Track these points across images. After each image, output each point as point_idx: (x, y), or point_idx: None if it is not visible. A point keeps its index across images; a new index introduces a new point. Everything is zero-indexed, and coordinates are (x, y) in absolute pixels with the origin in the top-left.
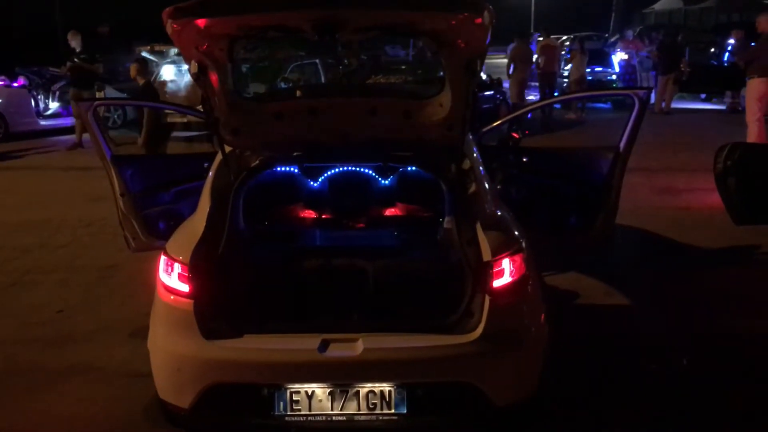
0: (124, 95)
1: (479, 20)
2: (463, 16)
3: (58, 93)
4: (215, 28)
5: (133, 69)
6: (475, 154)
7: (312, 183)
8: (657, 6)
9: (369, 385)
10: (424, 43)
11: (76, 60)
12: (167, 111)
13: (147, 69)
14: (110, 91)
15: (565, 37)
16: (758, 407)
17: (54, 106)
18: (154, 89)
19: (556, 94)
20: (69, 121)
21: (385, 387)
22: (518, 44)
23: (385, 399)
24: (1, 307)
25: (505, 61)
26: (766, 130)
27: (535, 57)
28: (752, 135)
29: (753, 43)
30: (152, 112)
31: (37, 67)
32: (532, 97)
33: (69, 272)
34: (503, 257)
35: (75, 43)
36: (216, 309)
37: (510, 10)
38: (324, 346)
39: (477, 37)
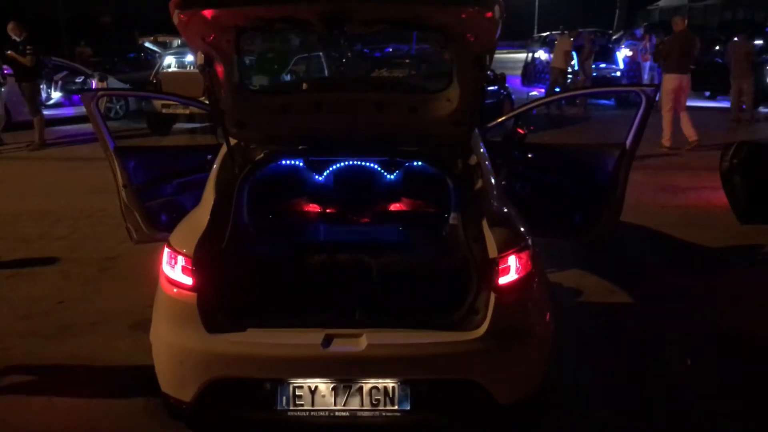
0: (127, 86)
1: (489, 14)
2: (473, 9)
3: (60, 83)
4: (222, 19)
5: None
6: (481, 150)
7: (317, 177)
8: (661, 3)
9: (372, 380)
10: (433, 37)
11: (9, 51)
12: (170, 102)
13: None
14: (113, 82)
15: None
16: (763, 407)
17: (56, 95)
18: None
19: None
20: (71, 111)
21: (389, 383)
22: None
23: (389, 395)
24: (0, 299)
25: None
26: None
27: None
28: (665, 123)
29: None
30: None
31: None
32: (535, 93)
33: (69, 263)
34: (509, 254)
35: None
36: (219, 302)
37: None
38: (327, 341)
39: (487, 32)
